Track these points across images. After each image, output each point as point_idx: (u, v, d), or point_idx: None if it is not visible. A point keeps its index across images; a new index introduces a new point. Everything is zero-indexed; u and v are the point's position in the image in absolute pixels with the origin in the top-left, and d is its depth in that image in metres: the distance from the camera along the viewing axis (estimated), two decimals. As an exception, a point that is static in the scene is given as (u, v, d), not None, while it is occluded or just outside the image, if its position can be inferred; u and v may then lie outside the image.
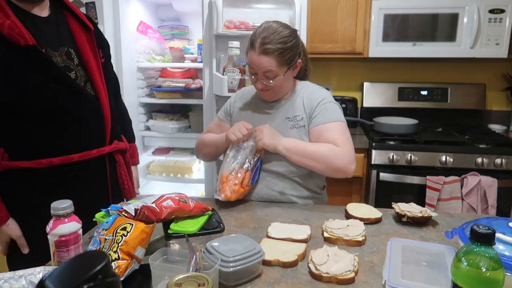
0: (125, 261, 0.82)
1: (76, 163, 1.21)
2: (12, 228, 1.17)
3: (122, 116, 1.51)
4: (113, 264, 0.80)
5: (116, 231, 0.86)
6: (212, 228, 0.99)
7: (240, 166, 1.32)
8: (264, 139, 1.28)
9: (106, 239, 0.85)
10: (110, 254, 0.81)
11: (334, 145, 1.28)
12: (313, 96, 1.37)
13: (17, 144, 1.16)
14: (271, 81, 1.30)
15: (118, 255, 0.82)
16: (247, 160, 1.33)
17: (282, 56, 1.28)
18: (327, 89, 2.93)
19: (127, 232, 0.85)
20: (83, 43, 1.25)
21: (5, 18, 1.07)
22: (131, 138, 1.55)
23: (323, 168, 1.29)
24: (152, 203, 0.97)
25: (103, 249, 0.83)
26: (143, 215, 0.92)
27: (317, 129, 1.33)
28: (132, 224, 0.87)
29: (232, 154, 1.34)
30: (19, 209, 1.18)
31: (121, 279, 0.79)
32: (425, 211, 1.16)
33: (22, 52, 1.09)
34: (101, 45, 1.35)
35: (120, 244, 0.83)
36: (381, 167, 2.21)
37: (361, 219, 1.17)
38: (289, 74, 1.35)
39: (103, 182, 1.31)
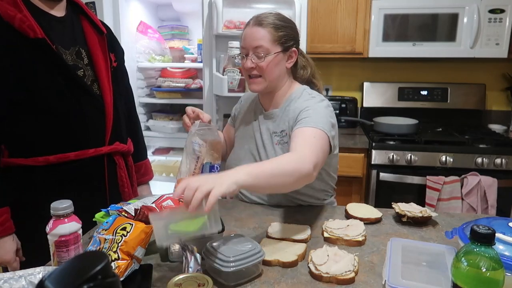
0: (125, 261, 0.82)
1: (72, 162, 1.20)
2: (6, 247, 1.14)
3: (134, 128, 1.52)
4: (113, 264, 0.80)
5: (116, 231, 0.86)
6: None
7: (188, 172, 1.26)
8: (216, 189, 0.82)
9: (106, 239, 0.85)
10: (110, 254, 0.81)
11: (290, 153, 1.09)
12: (299, 106, 1.24)
13: (16, 141, 1.16)
14: (263, 57, 1.20)
15: (118, 255, 0.82)
16: (194, 166, 1.25)
17: (276, 30, 1.22)
18: (327, 89, 2.94)
19: (127, 232, 0.85)
20: (95, 45, 1.29)
21: (17, 11, 1.11)
22: (142, 154, 1.55)
23: (290, 180, 1.01)
24: (152, 203, 0.97)
25: (103, 249, 0.83)
26: (143, 215, 0.92)
27: (293, 134, 1.18)
28: (132, 224, 0.87)
29: (184, 159, 1.27)
30: (16, 208, 1.17)
31: (121, 279, 0.80)
32: (425, 211, 1.16)
33: (32, 45, 1.12)
34: (114, 50, 1.38)
35: (120, 244, 0.83)
36: (381, 167, 2.21)
37: (361, 219, 1.17)
38: (282, 60, 1.25)
39: (101, 184, 1.29)
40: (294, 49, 1.28)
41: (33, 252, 1.18)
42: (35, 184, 1.18)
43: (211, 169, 1.31)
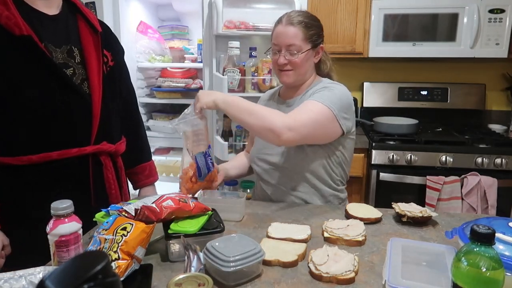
0: (125, 261, 0.82)
1: (55, 161, 1.18)
2: None
3: (135, 128, 1.50)
4: (113, 264, 0.80)
5: (116, 231, 0.86)
6: (212, 228, 0.99)
7: (186, 163, 1.30)
8: (201, 101, 1.21)
9: (106, 239, 0.85)
10: (110, 254, 0.81)
11: (280, 112, 1.23)
12: (318, 87, 1.34)
13: (2, 139, 1.14)
14: (296, 54, 1.30)
15: (118, 255, 0.82)
16: (190, 156, 1.29)
17: (308, 29, 1.31)
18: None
19: (127, 232, 0.85)
20: (88, 43, 1.27)
21: (4, 9, 1.10)
22: (147, 155, 1.53)
23: (256, 123, 1.18)
24: (152, 203, 0.97)
25: (103, 249, 0.83)
26: (143, 215, 0.92)
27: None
28: (132, 224, 0.87)
29: (184, 152, 1.31)
30: (2, 207, 1.16)
31: (121, 279, 0.80)
32: (425, 211, 1.16)
33: (17, 42, 1.11)
34: (111, 49, 1.35)
35: (120, 244, 0.83)
36: (381, 167, 2.21)
37: (361, 219, 1.17)
38: (311, 56, 1.35)
39: (85, 184, 1.25)
40: (321, 45, 1.38)
41: (21, 252, 1.16)
42: (20, 183, 1.16)
43: (205, 156, 1.28)
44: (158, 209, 0.94)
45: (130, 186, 1.51)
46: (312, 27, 1.33)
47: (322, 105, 1.23)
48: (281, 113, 1.21)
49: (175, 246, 0.96)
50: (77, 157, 1.21)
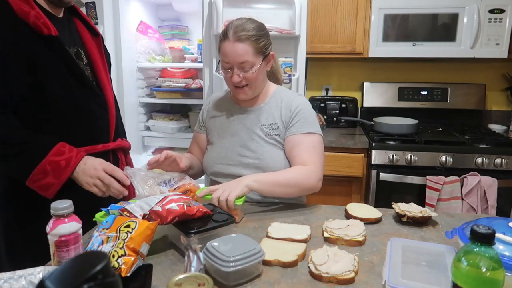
0: (132, 257, 0.82)
1: None
2: (90, 165, 1.14)
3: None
4: (120, 260, 0.81)
5: (120, 229, 0.87)
6: (223, 221, 1.01)
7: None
8: (232, 193, 1.13)
9: (109, 237, 0.86)
10: (116, 251, 0.82)
11: (302, 166, 1.27)
12: (292, 105, 1.34)
13: None
14: (249, 71, 1.26)
15: (125, 251, 0.82)
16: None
17: (257, 42, 1.26)
18: (327, 89, 2.94)
19: (132, 229, 0.86)
20: (92, 46, 1.32)
21: (30, 8, 1.11)
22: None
23: (295, 191, 1.29)
24: (156, 204, 0.97)
25: (109, 245, 0.84)
26: (150, 219, 0.93)
27: (293, 138, 1.31)
28: (136, 222, 0.88)
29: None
30: (23, 204, 1.18)
31: (128, 275, 0.80)
32: (425, 211, 1.16)
33: (44, 42, 1.13)
34: (106, 52, 1.42)
35: (126, 240, 0.84)
36: (381, 167, 2.21)
37: (361, 219, 1.17)
38: (264, 67, 1.32)
39: None
40: (272, 53, 1.35)
41: (33, 252, 1.18)
42: None
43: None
44: (164, 214, 0.95)
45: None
46: (261, 38, 1.27)
47: (317, 135, 1.34)
48: (302, 167, 1.27)
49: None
50: (101, 153, 1.26)
